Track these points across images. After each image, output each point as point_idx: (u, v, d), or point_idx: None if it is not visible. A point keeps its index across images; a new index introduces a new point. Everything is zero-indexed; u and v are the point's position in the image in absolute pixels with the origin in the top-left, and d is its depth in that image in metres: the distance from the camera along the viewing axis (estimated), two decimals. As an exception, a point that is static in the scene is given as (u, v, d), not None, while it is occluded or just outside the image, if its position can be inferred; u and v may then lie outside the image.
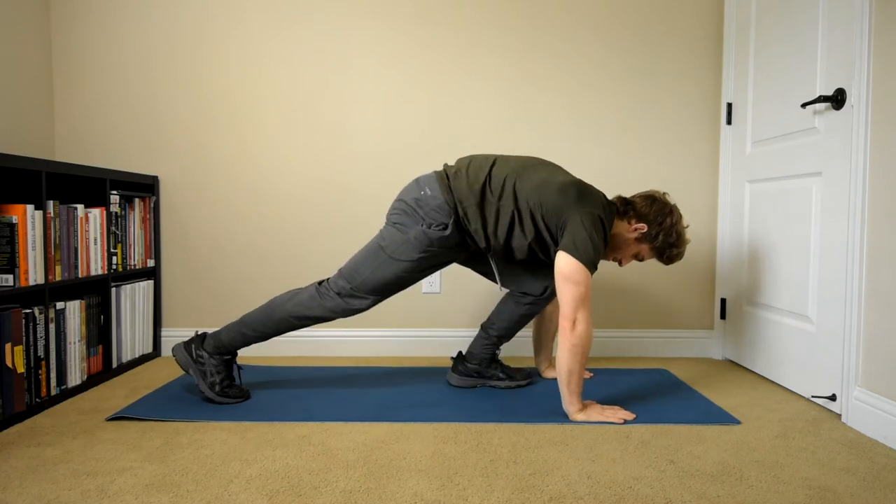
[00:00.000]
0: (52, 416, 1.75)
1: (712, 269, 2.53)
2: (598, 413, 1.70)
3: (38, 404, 1.78)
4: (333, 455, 1.46)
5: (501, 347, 2.07)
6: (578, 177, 2.48)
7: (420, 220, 1.76)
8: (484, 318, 2.49)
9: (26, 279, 1.73)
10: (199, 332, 1.93)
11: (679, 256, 1.82)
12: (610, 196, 2.45)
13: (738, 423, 1.70)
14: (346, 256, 2.51)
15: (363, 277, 1.80)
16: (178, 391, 1.95)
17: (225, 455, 1.46)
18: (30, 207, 1.74)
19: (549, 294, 1.99)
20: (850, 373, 1.69)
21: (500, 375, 2.03)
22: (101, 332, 2.13)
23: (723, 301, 2.47)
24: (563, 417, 1.72)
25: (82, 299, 2.01)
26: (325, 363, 2.38)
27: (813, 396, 1.86)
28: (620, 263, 1.89)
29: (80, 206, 1.99)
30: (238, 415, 1.73)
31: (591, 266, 1.65)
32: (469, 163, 1.80)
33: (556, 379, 2.08)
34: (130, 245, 2.31)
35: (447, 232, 1.75)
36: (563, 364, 1.66)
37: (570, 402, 1.70)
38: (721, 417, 1.73)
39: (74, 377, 1.97)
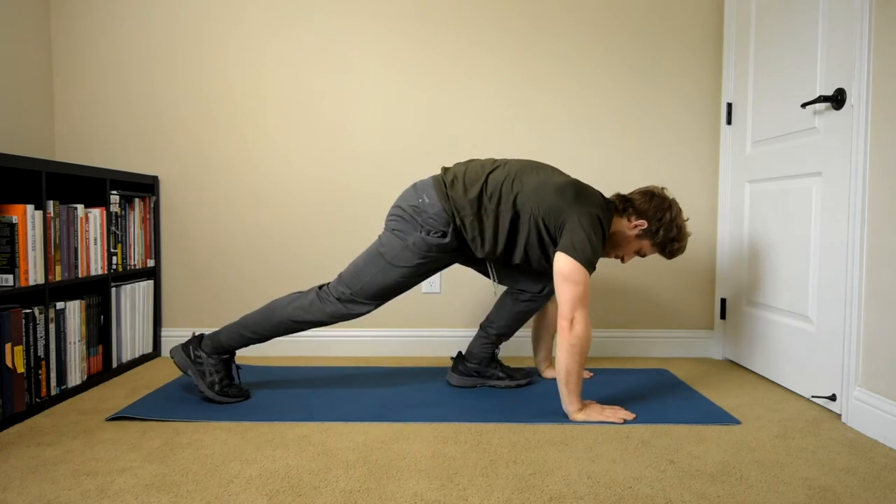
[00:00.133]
0: (52, 416, 1.75)
1: (712, 269, 2.53)
2: (597, 413, 1.70)
3: (38, 404, 1.78)
4: (333, 455, 1.46)
5: (501, 347, 2.07)
6: (578, 177, 2.49)
7: (418, 227, 1.76)
8: (483, 318, 2.49)
9: (26, 279, 1.73)
10: (196, 334, 1.93)
11: (681, 250, 1.82)
12: (608, 195, 2.45)
13: (738, 423, 1.70)
14: (347, 256, 2.51)
15: (363, 283, 1.80)
16: (178, 391, 1.95)
17: (225, 455, 1.46)
18: (30, 207, 1.74)
19: (548, 292, 2.00)
20: (850, 373, 1.69)
21: (500, 375, 2.03)
22: (101, 332, 2.13)
23: (723, 301, 2.47)
24: (563, 417, 1.72)
25: (82, 299, 2.01)
26: (325, 363, 2.38)
27: (813, 396, 1.86)
28: (623, 260, 1.89)
29: (80, 206, 1.99)
30: (238, 415, 1.73)
31: (590, 266, 1.65)
32: (465, 169, 1.79)
33: (555, 379, 2.08)
34: (130, 245, 2.31)
35: (446, 239, 1.75)
36: (563, 364, 1.66)
37: (569, 402, 1.70)
38: (721, 417, 1.73)
39: (74, 377, 1.97)
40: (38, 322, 1.77)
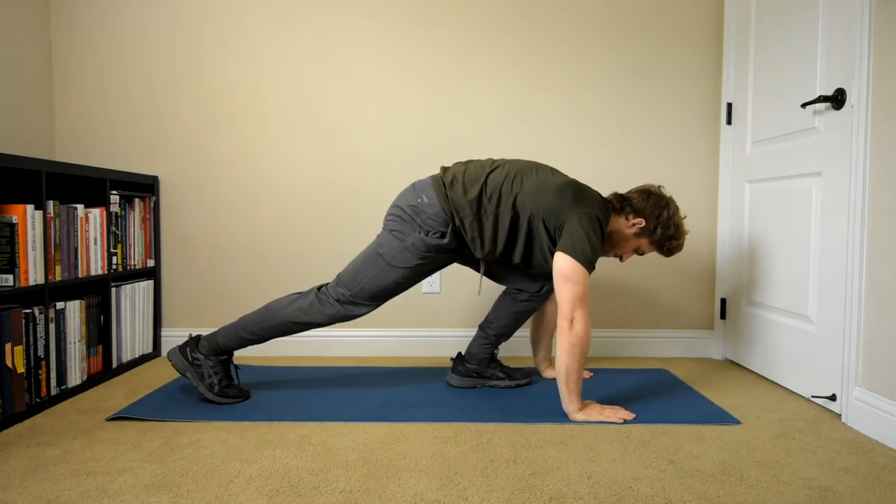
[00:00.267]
0: (52, 416, 1.75)
1: (712, 269, 2.53)
2: (597, 413, 1.70)
3: (38, 404, 1.78)
4: (333, 455, 1.46)
5: (500, 347, 2.07)
6: (578, 177, 2.49)
7: (417, 228, 1.76)
8: (482, 319, 2.49)
9: (26, 279, 1.73)
10: (192, 335, 1.93)
11: (679, 248, 1.83)
12: (607, 195, 2.45)
13: (738, 423, 1.70)
14: (346, 256, 2.51)
15: (362, 284, 1.80)
16: (178, 391, 1.95)
17: (225, 455, 1.46)
18: (30, 207, 1.74)
19: (546, 291, 2.00)
20: (850, 373, 1.69)
21: (500, 375, 2.03)
22: (101, 332, 2.13)
23: (723, 301, 2.47)
24: (562, 417, 1.72)
25: (82, 299, 2.01)
26: (324, 363, 2.38)
27: (813, 396, 1.86)
28: (621, 259, 1.89)
29: (80, 206, 1.99)
30: (238, 415, 1.73)
31: (589, 266, 1.65)
32: (465, 170, 1.79)
33: (555, 378, 2.08)
34: (130, 245, 2.31)
35: (445, 240, 1.75)
36: (562, 364, 1.66)
37: (569, 402, 1.70)
38: (721, 417, 1.73)
39: (74, 377, 1.97)
40: (38, 322, 1.77)
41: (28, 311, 1.73)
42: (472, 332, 2.50)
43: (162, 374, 2.21)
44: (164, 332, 2.51)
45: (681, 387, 2.05)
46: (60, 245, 1.90)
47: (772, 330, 2.12)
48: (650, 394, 1.96)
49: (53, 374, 1.86)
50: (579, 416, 1.70)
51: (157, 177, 2.48)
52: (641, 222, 1.79)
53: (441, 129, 2.49)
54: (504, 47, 2.47)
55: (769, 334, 2.14)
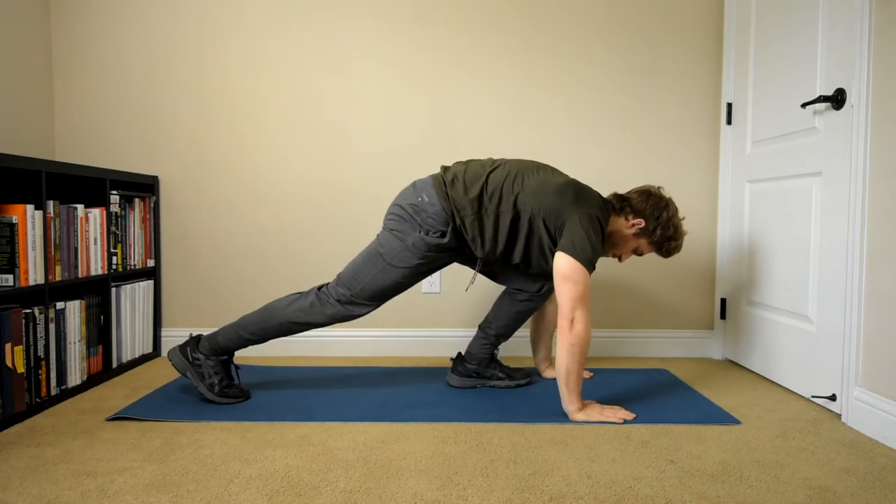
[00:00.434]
0: (52, 416, 1.75)
1: (712, 269, 2.53)
2: (597, 413, 1.70)
3: (38, 404, 1.78)
4: (333, 455, 1.46)
5: (500, 347, 2.07)
6: (578, 177, 2.49)
7: (417, 227, 1.76)
8: (482, 319, 2.49)
9: (26, 279, 1.73)
10: (192, 335, 1.92)
11: (677, 249, 1.83)
12: (607, 195, 2.45)
13: (738, 423, 1.70)
14: (346, 256, 2.51)
15: (363, 284, 1.80)
16: (178, 391, 1.95)
17: (225, 455, 1.46)
18: (30, 207, 1.74)
19: (546, 291, 2.00)
20: (850, 373, 1.69)
21: (500, 375, 2.03)
22: (101, 332, 2.13)
23: (723, 301, 2.47)
24: (563, 417, 1.72)
25: (82, 299, 2.01)
26: (324, 363, 2.38)
27: (813, 396, 1.86)
28: (620, 259, 1.89)
29: (80, 206, 1.99)
30: (238, 415, 1.73)
31: (590, 266, 1.65)
32: (465, 169, 1.79)
33: (555, 378, 2.08)
34: (130, 245, 2.31)
35: (445, 239, 1.75)
36: (562, 363, 1.66)
37: (569, 402, 1.70)
38: (721, 417, 1.73)
39: (74, 377, 1.97)
40: (38, 322, 1.77)
41: (28, 311, 1.73)
42: (472, 332, 2.50)
43: (162, 374, 2.21)
44: (164, 332, 2.51)
45: (681, 387, 2.05)
46: (60, 245, 1.90)
47: (772, 330, 2.12)
48: (650, 394, 1.96)
49: (53, 374, 1.86)
50: (579, 416, 1.70)
51: (157, 177, 2.48)
52: (641, 223, 1.79)
53: (441, 129, 2.49)
54: (504, 47, 2.47)
55: (769, 334, 2.14)
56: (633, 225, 1.80)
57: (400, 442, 1.55)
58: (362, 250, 1.86)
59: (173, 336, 2.51)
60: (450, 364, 2.36)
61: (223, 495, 1.25)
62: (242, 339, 1.85)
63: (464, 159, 2.47)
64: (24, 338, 1.71)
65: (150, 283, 2.43)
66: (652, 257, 2.51)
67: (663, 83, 2.48)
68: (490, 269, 2.02)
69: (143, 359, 2.38)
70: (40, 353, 1.78)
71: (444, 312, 2.53)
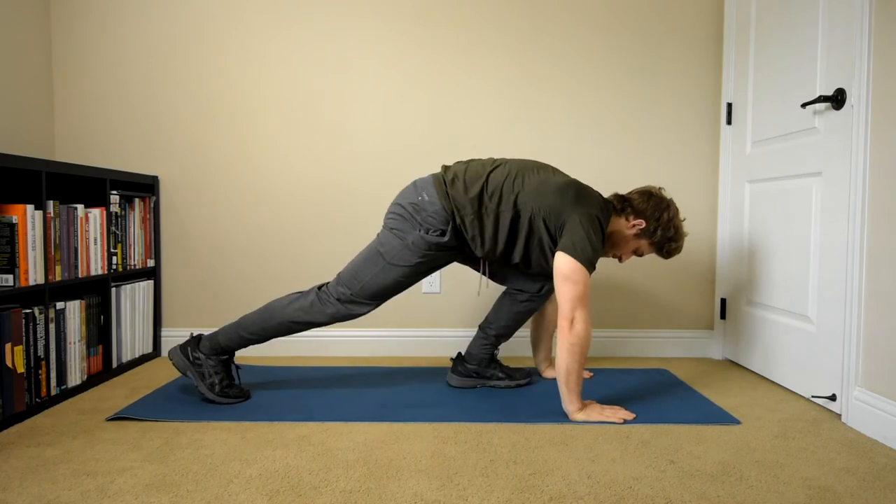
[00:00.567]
0: (52, 416, 1.75)
1: (712, 269, 2.53)
2: (597, 413, 1.70)
3: (38, 404, 1.78)
4: (333, 455, 1.46)
5: (500, 347, 2.07)
6: (578, 177, 2.50)
7: (418, 226, 1.76)
8: (482, 319, 2.49)
9: (26, 279, 1.73)
10: (193, 334, 1.92)
11: (678, 250, 1.83)
12: (607, 195, 2.45)
13: (738, 423, 1.70)
14: (346, 256, 2.51)
15: (363, 283, 1.80)
16: (178, 391, 1.95)
17: (225, 455, 1.46)
18: (30, 207, 1.74)
19: (546, 291, 2.00)
20: (850, 373, 1.69)
21: (500, 375, 2.03)
22: (101, 332, 2.13)
23: (723, 301, 2.47)
24: (563, 417, 1.72)
25: (82, 299, 2.01)
26: (324, 363, 2.38)
27: (813, 396, 1.86)
28: (620, 260, 1.89)
29: (80, 206, 1.99)
30: (238, 415, 1.73)
31: (590, 266, 1.65)
32: (466, 168, 1.79)
33: (555, 378, 2.08)
34: (130, 245, 2.31)
35: (445, 238, 1.75)
36: (562, 363, 1.66)
37: (569, 402, 1.70)
38: (721, 417, 1.73)
39: (74, 377, 1.97)
40: (38, 322, 1.77)
41: (28, 311, 1.73)
42: (472, 332, 2.50)
43: (162, 374, 2.21)
44: (164, 332, 2.51)
45: (681, 387, 2.05)
46: (60, 245, 1.90)
47: (772, 330, 2.12)
48: (650, 394, 1.96)
49: (53, 374, 1.86)
50: (579, 416, 1.70)
51: (157, 177, 2.48)
52: (642, 223, 1.79)
53: (441, 129, 2.49)
54: (504, 47, 2.47)
55: (769, 334, 2.14)
56: (634, 226, 1.80)
57: (400, 442, 1.55)
58: (363, 249, 1.85)
59: (173, 336, 2.51)
60: (450, 364, 2.36)
61: (223, 495, 1.25)
62: (243, 338, 1.85)
63: (464, 159, 2.47)
64: (24, 338, 1.71)
65: (150, 283, 2.43)
66: (652, 257, 2.51)
67: (663, 83, 2.48)
68: (491, 269, 2.02)
69: (143, 359, 2.38)
70: (40, 353, 1.78)
71: (444, 312, 2.53)
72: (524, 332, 2.47)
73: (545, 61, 2.47)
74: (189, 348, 1.86)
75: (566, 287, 1.64)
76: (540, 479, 1.34)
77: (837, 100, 1.75)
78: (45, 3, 2.43)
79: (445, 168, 1.83)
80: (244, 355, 2.47)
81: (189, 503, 1.22)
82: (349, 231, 2.51)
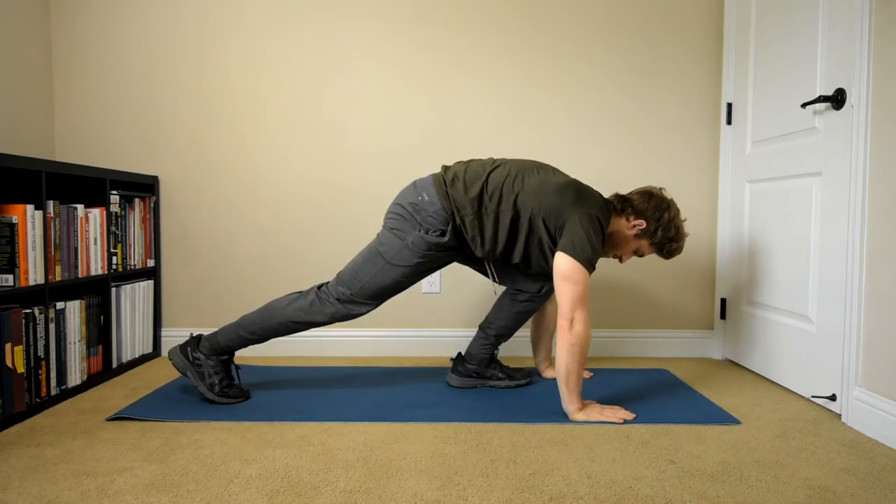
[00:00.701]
0: (52, 416, 1.75)
1: (712, 269, 2.53)
2: (597, 413, 1.70)
3: (38, 404, 1.78)
4: (333, 455, 1.46)
5: (500, 347, 2.07)
6: (578, 177, 2.50)
7: (417, 226, 1.76)
8: (482, 319, 2.49)
9: (26, 279, 1.73)
10: (193, 335, 1.92)
11: (678, 250, 1.83)
12: (608, 195, 2.45)
13: (738, 423, 1.70)
14: (346, 256, 2.51)
15: (363, 283, 1.80)
16: (178, 391, 1.95)
17: (225, 455, 1.46)
18: (30, 207, 1.74)
19: (546, 291, 2.00)
20: (850, 373, 1.69)
21: (500, 375, 2.03)
22: (101, 332, 2.13)
23: (723, 301, 2.47)
24: (563, 417, 1.72)
25: (82, 299, 2.01)
26: (324, 363, 2.38)
27: (813, 396, 1.86)
28: (621, 260, 1.89)
29: (80, 206, 1.99)
30: (238, 415, 1.73)
31: (590, 266, 1.65)
32: (466, 168, 1.79)
33: (555, 378, 2.08)
34: (130, 245, 2.31)
35: (445, 238, 1.75)
36: (562, 363, 1.66)
37: (569, 402, 1.70)
38: (721, 417, 1.73)
39: (74, 377, 1.97)
40: (38, 322, 1.77)
41: (28, 311, 1.73)
42: (472, 332, 2.50)
43: (162, 374, 2.21)
44: (164, 332, 2.51)
45: (681, 387, 2.05)
46: (60, 245, 1.90)
47: (772, 330, 2.12)
48: (650, 394, 1.96)
49: (53, 374, 1.86)
50: (579, 416, 1.70)
51: (157, 177, 2.48)
52: (642, 224, 1.79)
53: (441, 129, 2.49)
54: (504, 47, 2.47)
55: (769, 334, 2.14)
56: (635, 226, 1.80)
57: (400, 442, 1.55)
58: (362, 249, 1.85)
59: (173, 336, 2.51)
60: (450, 364, 2.36)
61: (223, 495, 1.25)
62: (243, 338, 1.85)
63: (464, 159, 2.47)
64: (24, 338, 1.71)
65: (150, 283, 2.43)
66: (652, 257, 2.51)
67: (663, 83, 2.48)
68: (490, 269, 2.01)
69: (143, 359, 2.38)
70: (40, 353, 1.78)
71: (444, 312, 2.53)
72: (524, 332, 2.47)
73: (545, 61, 2.47)
74: (189, 348, 1.86)
75: (566, 287, 1.64)
76: (540, 479, 1.34)
77: (837, 100, 1.75)
78: (45, 3, 2.43)
79: (445, 168, 1.83)
80: (244, 355, 2.47)
81: (189, 503, 1.22)
82: (349, 231, 2.51)
